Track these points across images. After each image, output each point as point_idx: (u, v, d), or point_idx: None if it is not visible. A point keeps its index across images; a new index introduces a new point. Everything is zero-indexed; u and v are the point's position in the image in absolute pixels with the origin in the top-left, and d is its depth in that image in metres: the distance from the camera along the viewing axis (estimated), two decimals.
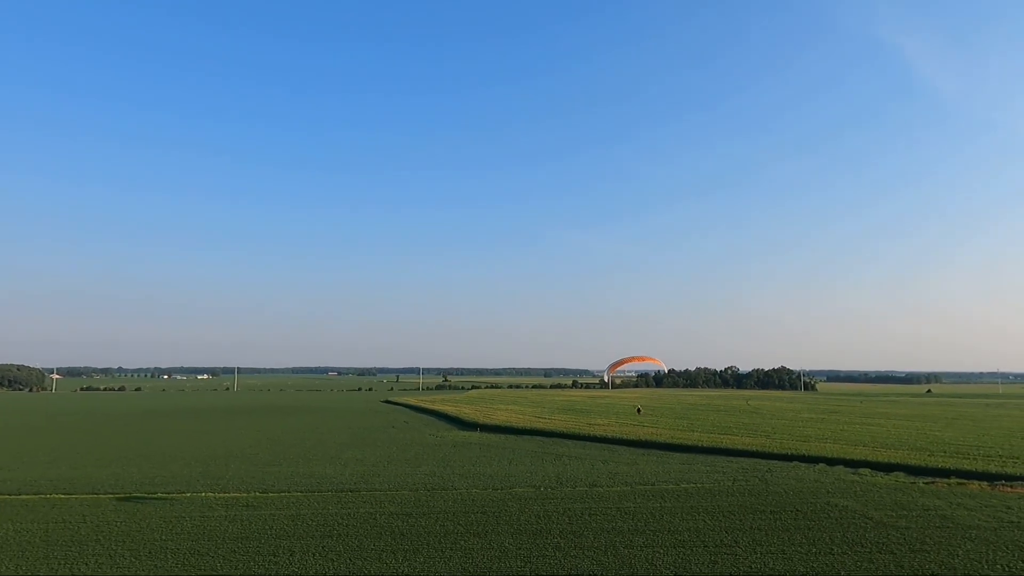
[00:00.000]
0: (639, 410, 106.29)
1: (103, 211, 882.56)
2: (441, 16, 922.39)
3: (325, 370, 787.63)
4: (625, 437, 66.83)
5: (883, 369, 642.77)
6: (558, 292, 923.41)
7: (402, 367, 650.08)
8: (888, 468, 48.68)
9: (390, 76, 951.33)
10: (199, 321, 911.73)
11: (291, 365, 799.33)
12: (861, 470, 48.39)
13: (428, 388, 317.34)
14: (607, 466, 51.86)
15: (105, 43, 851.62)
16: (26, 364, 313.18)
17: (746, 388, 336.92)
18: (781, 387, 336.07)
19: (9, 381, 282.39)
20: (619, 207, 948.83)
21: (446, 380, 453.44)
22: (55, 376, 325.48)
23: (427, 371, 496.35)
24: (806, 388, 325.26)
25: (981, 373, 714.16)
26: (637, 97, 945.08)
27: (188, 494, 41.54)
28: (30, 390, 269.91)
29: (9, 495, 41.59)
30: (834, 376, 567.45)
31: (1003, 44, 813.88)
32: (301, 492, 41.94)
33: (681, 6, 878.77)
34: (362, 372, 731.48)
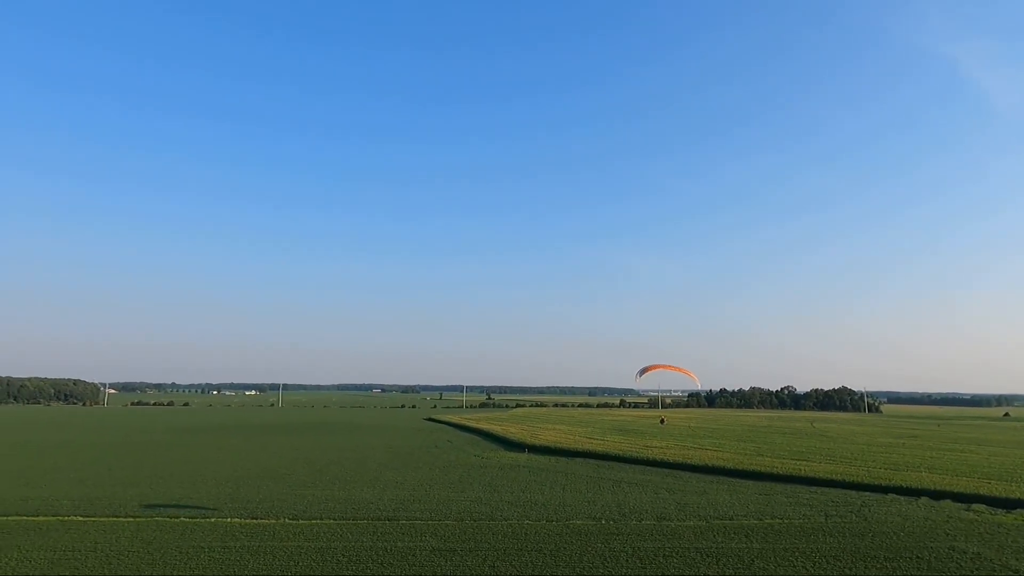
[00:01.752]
0: (663, 421, 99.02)
1: (166, 232, 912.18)
2: (505, 24, 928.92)
3: (369, 387, 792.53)
4: (688, 462, 60.87)
5: (946, 391, 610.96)
6: (603, 311, 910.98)
7: (445, 385, 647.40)
8: (1008, 504, 41.77)
9: (410, 86, 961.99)
10: (249, 339, 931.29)
11: (336, 382, 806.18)
12: (975, 506, 41.61)
13: (471, 406, 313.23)
14: (673, 495, 46.23)
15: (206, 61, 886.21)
16: (83, 379, 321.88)
17: (804, 409, 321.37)
18: (843, 408, 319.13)
19: (65, 395, 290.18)
20: (666, 229, 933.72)
21: (490, 398, 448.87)
22: (109, 391, 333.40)
23: (470, 389, 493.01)
24: (870, 410, 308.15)
25: None
26: (666, 112, 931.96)
27: (213, 519, 37.80)
28: (84, 404, 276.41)
29: (27, 516, 38.58)
30: (895, 398, 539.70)
31: None
32: (334, 520, 37.74)
33: (715, 22, 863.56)
34: (405, 389, 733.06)
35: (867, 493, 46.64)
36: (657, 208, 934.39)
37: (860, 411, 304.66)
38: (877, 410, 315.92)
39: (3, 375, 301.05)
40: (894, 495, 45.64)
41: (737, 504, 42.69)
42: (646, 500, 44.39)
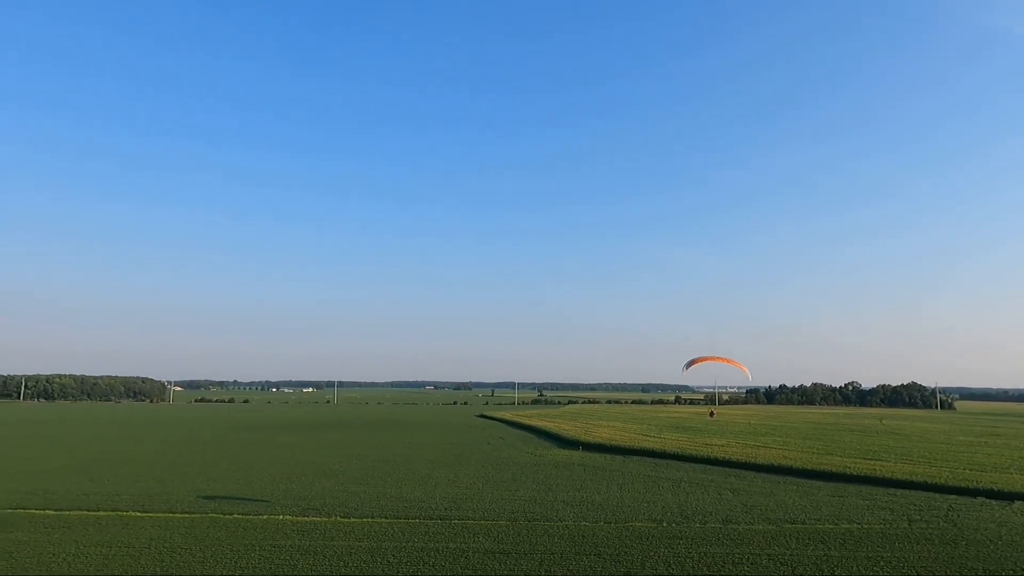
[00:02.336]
0: (712, 414, 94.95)
1: (229, 241, 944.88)
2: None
3: (423, 384, 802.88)
4: (752, 461, 57.88)
5: (1021, 387, 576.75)
6: (657, 307, 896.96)
7: (497, 381, 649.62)
8: None
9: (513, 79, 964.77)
10: (307, 338, 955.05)
11: (390, 379, 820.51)
12: None
13: (523, 402, 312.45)
14: (738, 496, 43.69)
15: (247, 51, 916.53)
16: (150, 377, 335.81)
17: (870, 406, 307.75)
18: (912, 405, 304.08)
19: (134, 393, 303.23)
20: (717, 224, 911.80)
21: (541, 395, 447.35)
22: (175, 388, 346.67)
23: (522, 386, 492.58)
24: (942, 407, 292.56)
25: None
26: (718, 100, 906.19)
27: (265, 516, 37.45)
28: (151, 401, 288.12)
29: (87, 511, 39.08)
30: (968, 394, 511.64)
31: None
32: (385, 519, 36.86)
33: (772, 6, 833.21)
34: (458, 386, 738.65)
35: (952, 496, 43.05)
36: (708, 201, 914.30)
37: (931, 408, 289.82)
38: (950, 407, 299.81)
39: (77, 374, 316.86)
40: (984, 499, 41.98)
41: (808, 507, 39.92)
42: (709, 501, 42.04)
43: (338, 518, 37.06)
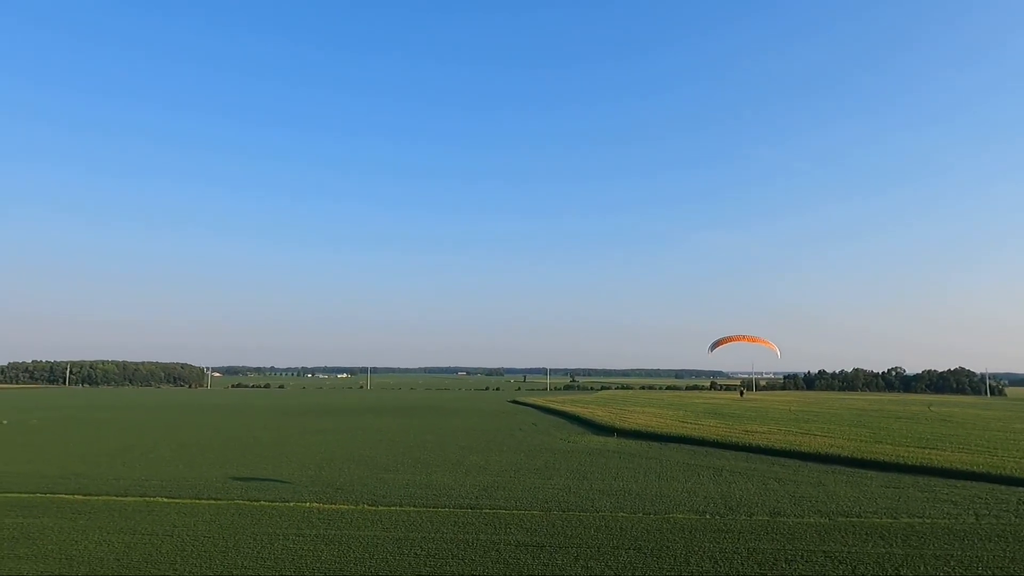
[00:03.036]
0: (742, 393, 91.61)
1: (265, 227, 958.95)
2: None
3: (455, 370, 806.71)
4: (797, 448, 55.19)
5: None
6: (691, 291, 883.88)
7: (529, 367, 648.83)
8: None
9: (546, 90, 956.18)
10: (342, 324, 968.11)
11: (423, 365, 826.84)
12: None
13: (555, 388, 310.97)
14: (784, 487, 41.31)
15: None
16: (189, 363, 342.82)
17: (915, 392, 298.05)
18: (960, 391, 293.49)
19: (174, 378, 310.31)
20: (757, 207, 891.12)
21: (573, 380, 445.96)
22: (213, 374, 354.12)
23: (554, 371, 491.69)
24: (992, 393, 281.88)
25: None
26: (789, 96, 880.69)
27: (292, 503, 36.48)
28: (189, 386, 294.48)
29: (115, 496, 38.65)
30: (1017, 380, 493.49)
31: None
32: (414, 507, 35.55)
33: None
34: (490, 372, 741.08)
35: (1020, 488, 40.02)
36: (741, 179, 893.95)
37: (981, 394, 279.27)
38: (1001, 393, 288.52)
39: (120, 359, 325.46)
40: None
41: (862, 499, 37.39)
42: (754, 491, 39.76)
43: (366, 506, 35.88)
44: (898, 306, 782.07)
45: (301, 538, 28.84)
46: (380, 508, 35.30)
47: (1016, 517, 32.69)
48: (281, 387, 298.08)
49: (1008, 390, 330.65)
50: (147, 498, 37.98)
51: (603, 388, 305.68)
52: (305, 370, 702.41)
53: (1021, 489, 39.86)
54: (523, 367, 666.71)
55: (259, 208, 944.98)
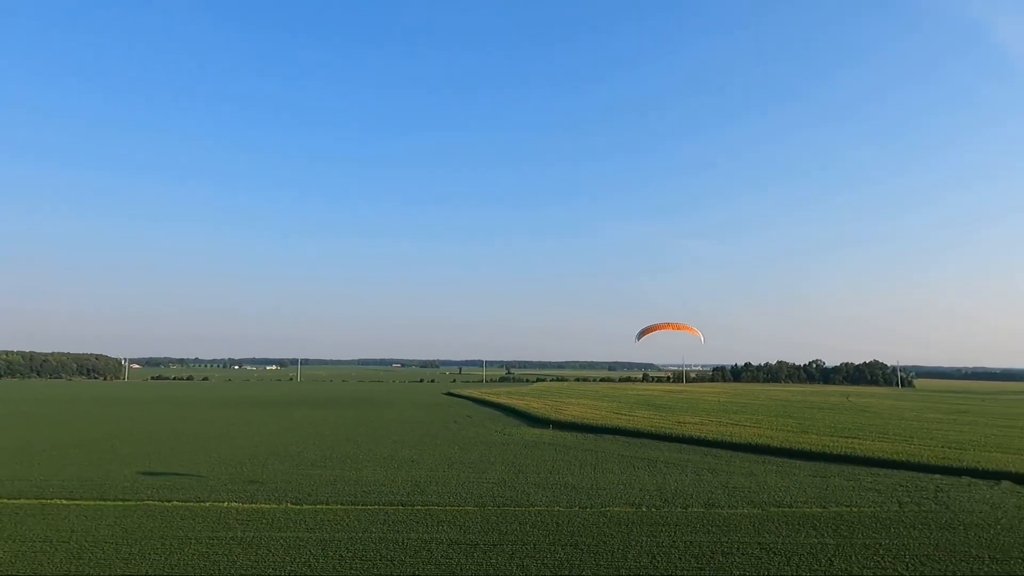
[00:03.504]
0: (669, 379, 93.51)
1: (189, 212, 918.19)
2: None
3: (390, 362, 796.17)
4: (728, 439, 56.12)
5: (973, 365, 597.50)
6: (623, 285, 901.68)
7: (464, 359, 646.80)
8: None
9: (480, 75, 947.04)
10: (272, 314, 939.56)
11: (357, 357, 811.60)
12: None
13: (491, 380, 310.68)
14: (718, 477, 41.58)
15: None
16: (106, 354, 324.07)
17: (834, 383, 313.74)
18: (874, 382, 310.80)
19: (87, 370, 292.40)
20: (684, 200, 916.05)
21: (509, 372, 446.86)
22: (131, 365, 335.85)
23: (489, 363, 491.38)
24: (903, 384, 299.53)
25: None
26: (713, 90, 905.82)
27: (208, 503, 33.97)
28: (104, 379, 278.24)
29: (6, 499, 35.02)
30: (923, 372, 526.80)
31: None
32: (341, 504, 33.71)
33: None
34: (425, 364, 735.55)
35: (937, 476, 41.60)
36: (702, 188, 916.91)
37: (893, 385, 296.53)
38: (910, 384, 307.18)
39: (27, 350, 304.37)
40: (968, 478, 40.61)
41: (793, 488, 37.94)
42: (688, 483, 39.79)
43: (289, 504, 33.79)
44: (817, 302, 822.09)
45: (215, 541, 26.62)
46: (305, 507, 33.29)
47: (936, 504, 33.72)
48: (205, 379, 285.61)
49: (916, 382, 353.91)
50: (44, 500, 34.56)
51: (539, 380, 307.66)
52: (232, 362, 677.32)
53: (937, 476, 41.41)
54: (459, 359, 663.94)
55: (185, 193, 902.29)
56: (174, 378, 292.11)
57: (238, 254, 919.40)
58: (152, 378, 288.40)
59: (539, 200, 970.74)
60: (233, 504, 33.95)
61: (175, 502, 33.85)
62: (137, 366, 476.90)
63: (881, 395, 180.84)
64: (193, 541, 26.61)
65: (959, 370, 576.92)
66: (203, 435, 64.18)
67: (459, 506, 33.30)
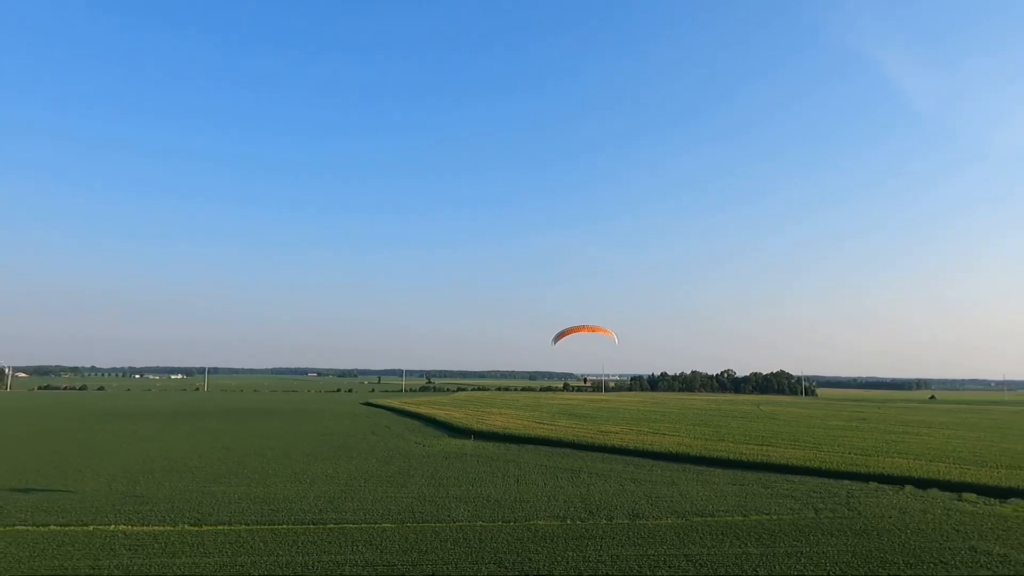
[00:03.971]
0: (585, 380, 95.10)
1: (83, 210, 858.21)
2: (440, 28, 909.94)
3: (305, 371, 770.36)
4: (649, 448, 56.46)
5: (866, 375, 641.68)
6: (542, 295, 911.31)
7: (384, 369, 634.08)
8: (999, 494, 38.74)
9: (379, 83, 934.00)
10: (176, 320, 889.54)
11: (270, 366, 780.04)
12: (966, 495, 38.36)
13: (411, 390, 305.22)
14: (641, 487, 41.38)
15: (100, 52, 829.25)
16: None
17: (744, 392, 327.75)
18: (781, 392, 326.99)
19: None
20: (601, 210, 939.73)
21: (430, 382, 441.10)
22: (16, 374, 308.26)
23: (410, 373, 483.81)
24: (806, 393, 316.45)
25: (963, 380, 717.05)
26: (622, 105, 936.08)
27: (92, 527, 30.50)
28: None
29: None
30: (823, 382, 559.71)
31: (971, 51, 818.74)
32: (245, 525, 31.03)
33: (671, 19, 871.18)
34: (343, 374, 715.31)
35: (846, 481, 43.00)
36: (605, 197, 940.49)
37: (797, 394, 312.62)
38: (813, 393, 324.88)
39: None
40: (876, 483, 42.18)
41: (713, 497, 38.13)
42: (611, 493, 39.33)
43: (186, 526, 30.80)
44: (731, 314, 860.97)
45: (99, 572, 23.65)
46: (204, 528, 30.41)
47: (848, 510, 34.59)
48: (101, 389, 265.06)
49: (819, 391, 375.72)
50: None
51: (460, 389, 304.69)
52: (133, 370, 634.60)
53: (847, 482, 42.80)
54: (378, 368, 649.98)
55: (81, 195, 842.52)
56: (65, 388, 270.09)
57: (141, 257, 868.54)
58: (40, 387, 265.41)
59: (459, 209, 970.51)
60: (121, 527, 30.65)
61: (52, 527, 30.18)
62: (23, 375, 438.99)
63: (787, 403, 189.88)
64: (71, 573, 23.54)
65: (854, 380, 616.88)
66: (89, 448, 58.66)
67: (376, 523, 31.36)
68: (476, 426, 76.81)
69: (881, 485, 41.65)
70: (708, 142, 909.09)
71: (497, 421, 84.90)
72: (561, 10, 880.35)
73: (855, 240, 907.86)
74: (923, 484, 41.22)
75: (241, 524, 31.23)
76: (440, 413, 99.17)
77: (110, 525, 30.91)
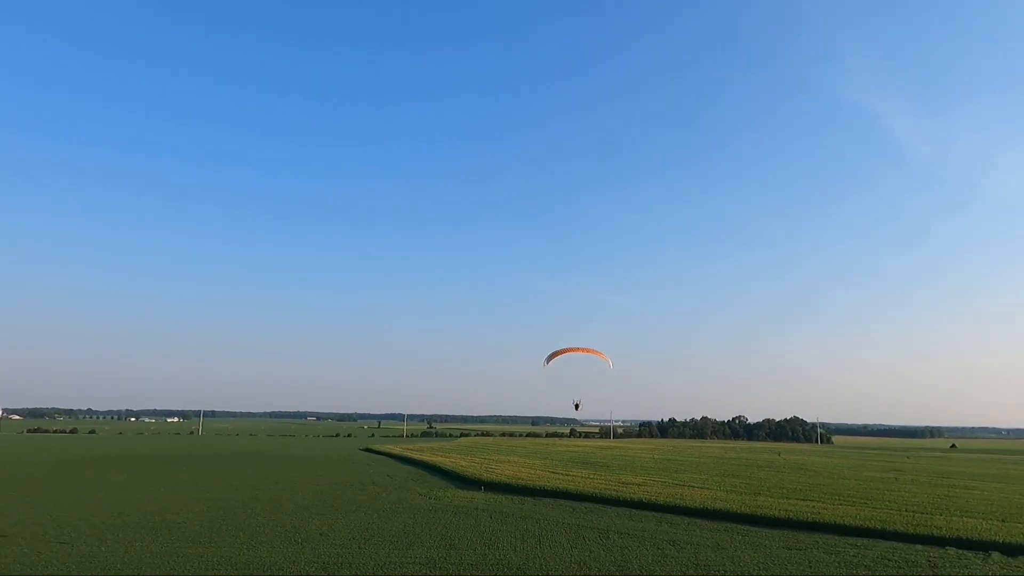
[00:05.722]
0: (577, 406, 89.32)
1: (82, 250, 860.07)
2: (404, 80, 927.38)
3: (304, 415, 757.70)
4: (680, 503, 50.68)
5: (872, 422, 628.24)
6: (543, 337, 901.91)
7: (383, 413, 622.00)
8: None
9: (353, 127, 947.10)
10: (173, 363, 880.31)
11: (268, 409, 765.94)
12: None
13: (412, 435, 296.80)
14: (683, 551, 35.74)
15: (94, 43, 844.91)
16: None
17: (757, 439, 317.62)
18: (795, 439, 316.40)
19: None
20: (606, 253, 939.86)
21: (431, 427, 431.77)
22: (11, 416, 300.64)
23: (410, 417, 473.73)
24: (821, 441, 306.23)
25: (973, 428, 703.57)
26: (617, 154, 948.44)
27: None
28: None
29: None
30: (832, 429, 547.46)
31: (960, 96, 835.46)
32: None
33: (666, 69, 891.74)
34: (342, 417, 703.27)
35: (918, 546, 37.30)
36: (610, 241, 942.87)
37: (812, 442, 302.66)
38: (829, 441, 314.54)
39: None
40: (954, 549, 36.50)
41: (771, 565, 32.56)
42: (652, 560, 33.71)
43: None
44: (741, 359, 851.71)
45: None
46: None
47: None
48: (92, 432, 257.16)
49: (834, 438, 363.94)
50: None
51: (463, 435, 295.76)
52: (130, 413, 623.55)
53: (919, 547, 37.16)
54: (378, 412, 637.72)
55: (76, 232, 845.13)
56: (55, 431, 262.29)
57: (138, 300, 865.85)
58: (29, 430, 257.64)
59: (461, 253, 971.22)
60: None
61: None
62: (17, 416, 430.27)
63: (807, 452, 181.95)
64: None
65: (865, 427, 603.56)
66: (55, 500, 52.81)
67: None
68: (485, 476, 70.92)
69: (961, 551, 36.02)
70: (707, 189, 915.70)
71: (507, 470, 78.88)
72: (553, 56, 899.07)
73: (856, 282, 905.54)
74: (1011, 551, 35.63)
75: None
76: (445, 461, 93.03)
77: None
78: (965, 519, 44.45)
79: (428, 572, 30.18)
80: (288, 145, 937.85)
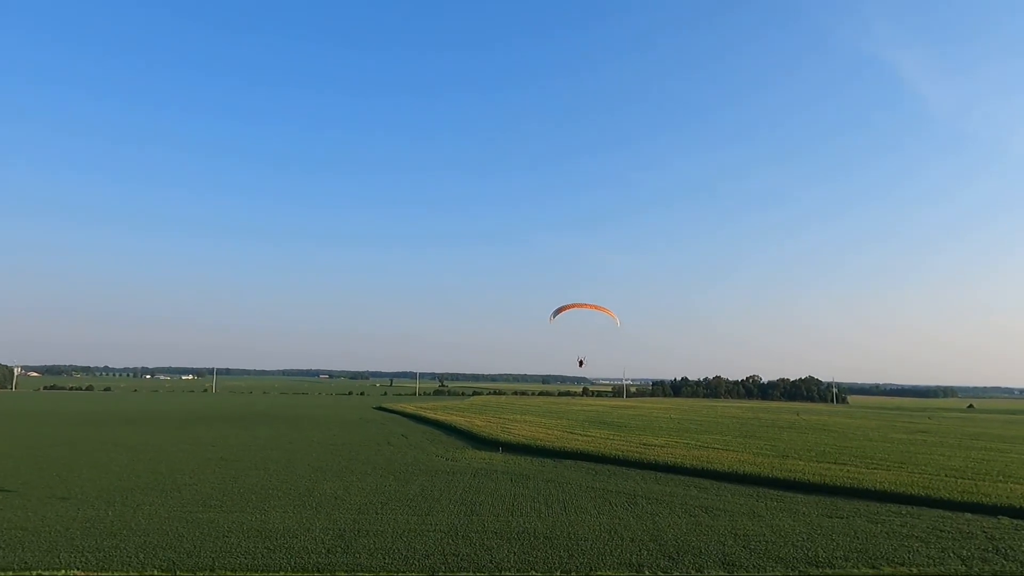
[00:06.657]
0: (581, 363, 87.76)
1: (97, 208, 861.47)
2: (441, 24, 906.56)
3: (316, 373, 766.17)
4: (708, 467, 48.78)
5: (884, 381, 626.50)
6: (554, 298, 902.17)
7: (396, 371, 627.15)
8: None
9: (384, 79, 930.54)
10: (188, 321, 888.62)
11: (281, 367, 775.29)
12: None
13: (425, 393, 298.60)
14: (717, 519, 33.75)
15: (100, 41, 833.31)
16: None
17: (771, 399, 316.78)
18: (810, 399, 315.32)
19: None
20: (616, 212, 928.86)
21: (443, 385, 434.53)
22: (29, 373, 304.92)
23: (422, 375, 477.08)
24: (837, 400, 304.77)
25: (986, 388, 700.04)
26: (633, 105, 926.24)
27: (35, 572, 23.64)
28: None
29: None
30: (845, 388, 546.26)
31: (989, 54, 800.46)
32: (231, 571, 24.00)
33: (682, 20, 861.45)
34: (354, 376, 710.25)
35: (968, 515, 35.13)
36: (619, 199, 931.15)
37: (828, 401, 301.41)
38: (844, 401, 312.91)
39: None
40: (1008, 518, 34.29)
41: (815, 535, 30.48)
42: (686, 528, 31.74)
43: (156, 573, 23.81)
44: (754, 318, 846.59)
45: None
46: (179, 575, 23.46)
47: (1000, 556, 26.94)
48: (108, 389, 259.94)
49: (849, 398, 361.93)
50: None
51: (475, 393, 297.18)
52: (145, 370, 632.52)
53: (969, 515, 35.01)
54: (390, 370, 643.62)
55: (96, 190, 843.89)
56: (71, 388, 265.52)
57: (154, 257, 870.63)
58: (45, 387, 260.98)
59: (473, 209, 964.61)
60: (75, 573, 23.74)
61: None
62: (35, 374, 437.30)
63: (825, 412, 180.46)
64: None
65: (877, 386, 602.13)
66: (65, 461, 51.65)
67: (398, 572, 24.17)
68: (503, 436, 69.48)
69: (1016, 520, 33.81)
70: (721, 146, 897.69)
71: (524, 430, 77.48)
72: (569, 7, 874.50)
73: (873, 244, 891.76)
74: None
75: (225, 570, 24.22)
76: (460, 420, 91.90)
77: (60, 570, 24.02)
78: (1012, 485, 42.25)
79: (449, 543, 28.33)
80: (302, 91, 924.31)
